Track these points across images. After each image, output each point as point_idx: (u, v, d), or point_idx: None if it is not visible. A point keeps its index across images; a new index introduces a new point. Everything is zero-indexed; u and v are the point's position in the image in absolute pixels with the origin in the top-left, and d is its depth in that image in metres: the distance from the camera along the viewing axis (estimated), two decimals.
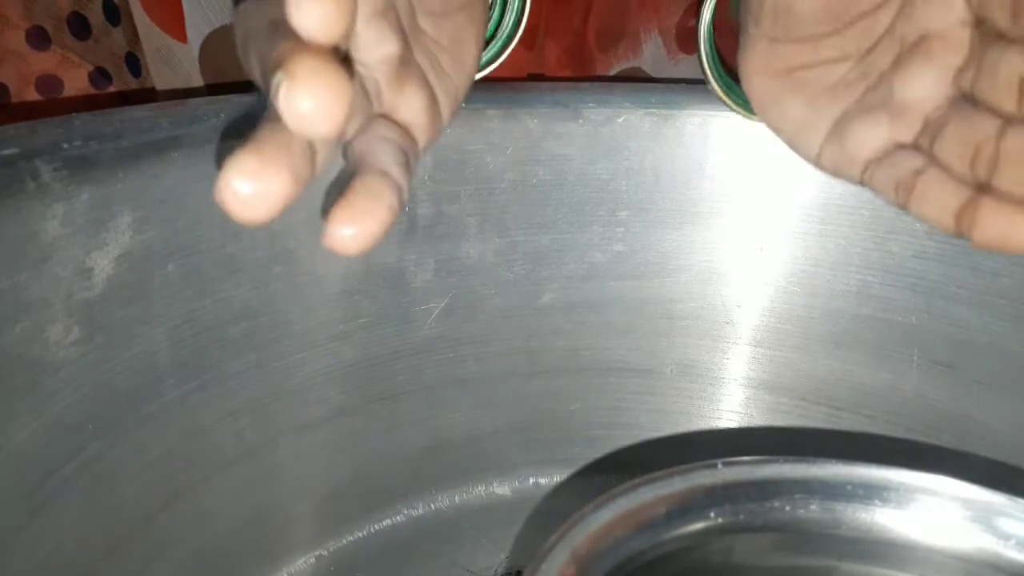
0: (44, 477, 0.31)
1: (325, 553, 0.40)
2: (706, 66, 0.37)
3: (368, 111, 0.28)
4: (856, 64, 0.33)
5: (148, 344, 0.33)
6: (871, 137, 0.33)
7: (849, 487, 0.26)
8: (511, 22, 0.37)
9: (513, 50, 0.47)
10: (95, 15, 0.46)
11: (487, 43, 0.37)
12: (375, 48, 0.28)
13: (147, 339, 0.33)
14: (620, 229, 0.39)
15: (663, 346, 0.41)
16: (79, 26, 0.45)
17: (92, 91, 0.46)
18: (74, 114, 0.32)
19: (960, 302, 0.38)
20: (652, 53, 0.48)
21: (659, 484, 0.25)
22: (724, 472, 0.25)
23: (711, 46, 0.37)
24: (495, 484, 0.43)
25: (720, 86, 0.37)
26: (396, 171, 0.26)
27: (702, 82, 0.37)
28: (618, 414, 0.43)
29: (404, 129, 0.29)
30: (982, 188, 0.29)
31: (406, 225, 0.37)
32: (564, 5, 0.47)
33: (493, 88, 0.39)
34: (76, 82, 0.45)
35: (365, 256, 0.37)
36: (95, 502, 0.33)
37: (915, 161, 0.31)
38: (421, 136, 0.30)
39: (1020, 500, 0.26)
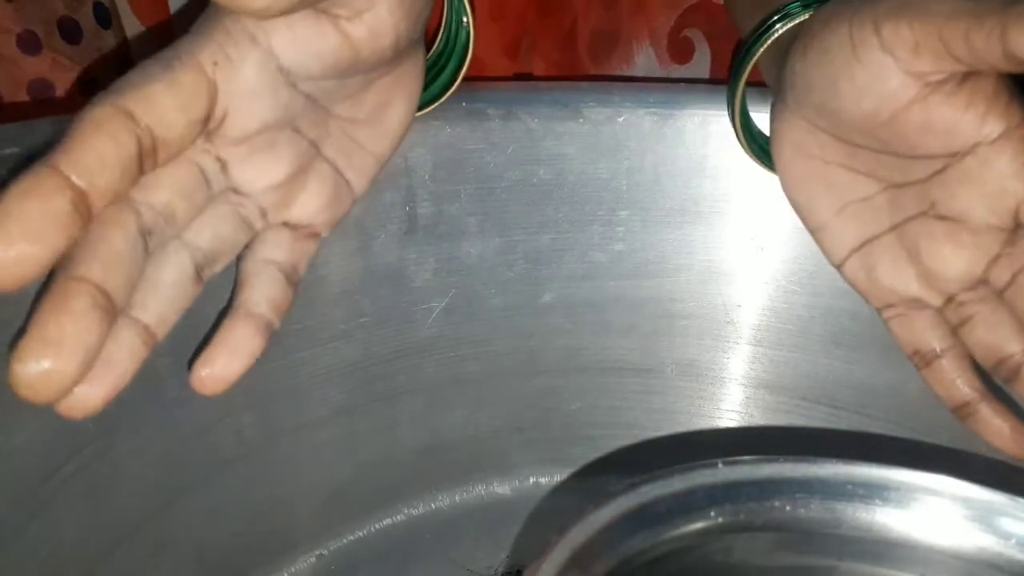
0: (44, 477, 0.31)
1: (325, 553, 0.41)
2: (739, 132, 0.36)
3: (242, 235, 0.28)
4: (886, 192, 0.32)
5: None
6: (897, 282, 0.33)
7: (849, 487, 0.26)
8: (455, 54, 0.35)
9: (496, 62, 0.47)
10: (86, 18, 0.45)
11: (432, 75, 0.35)
12: (255, 183, 0.28)
13: None
14: (620, 228, 0.39)
15: (663, 346, 0.41)
16: (70, 30, 0.45)
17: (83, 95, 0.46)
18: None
19: None
20: (644, 64, 0.48)
21: (659, 483, 0.25)
22: (724, 471, 0.25)
23: (744, 115, 0.36)
24: (495, 484, 0.43)
25: (753, 152, 0.36)
26: (265, 305, 0.29)
27: (702, 82, 0.37)
28: (618, 414, 0.43)
29: (300, 230, 0.30)
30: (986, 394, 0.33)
31: (406, 225, 0.37)
32: (550, 16, 0.47)
33: (494, 88, 0.39)
34: (67, 86, 0.45)
35: (365, 255, 0.37)
36: (95, 502, 0.33)
37: (937, 338, 0.33)
38: (322, 222, 0.30)
39: (1020, 500, 0.26)
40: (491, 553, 0.41)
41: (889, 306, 0.34)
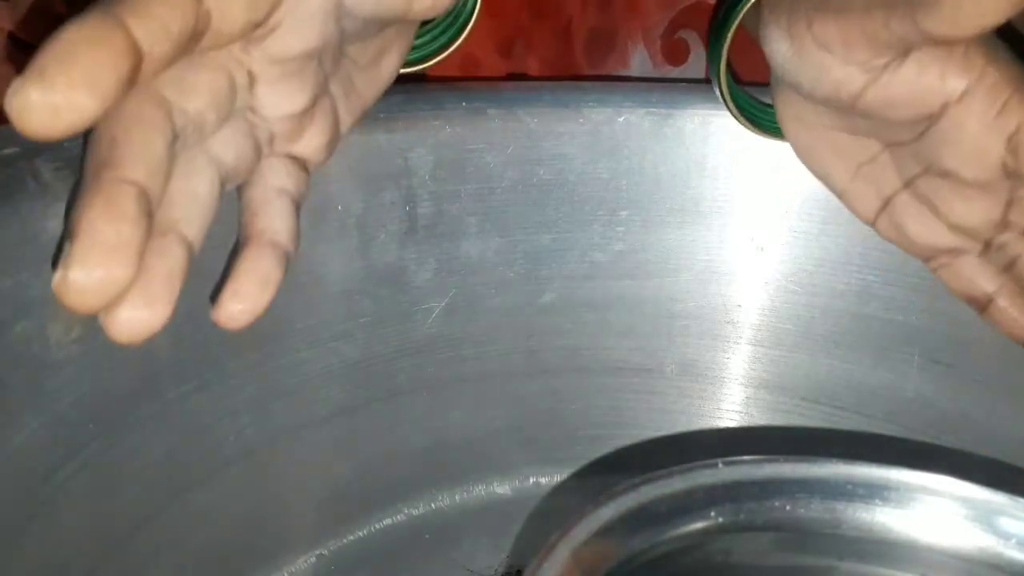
0: (44, 477, 0.31)
1: (325, 553, 0.40)
2: (728, 102, 0.35)
3: (256, 158, 0.28)
4: (888, 150, 0.32)
5: (148, 344, 0.33)
6: (930, 236, 0.32)
7: (849, 486, 0.26)
8: (462, 17, 0.34)
9: (490, 59, 0.46)
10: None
11: (442, 30, 0.34)
12: (278, 107, 0.27)
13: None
14: (620, 228, 0.39)
15: (663, 345, 0.41)
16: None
17: None
18: None
19: (960, 302, 0.38)
20: (639, 65, 0.48)
21: (660, 483, 0.25)
22: (725, 471, 0.25)
23: (729, 84, 0.35)
24: (495, 484, 0.43)
25: (745, 119, 0.36)
26: (285, 234, 0.28)
27: (702, 81, 0.37)
28: (618, 414, 0.43)
29: (300, 162, 0.29)
30: None
31: (407, 225, 0.37)
32: (544, 17, 0.47)
33: (494, 88, 0.39)
34: None
35: (365, 255, 0.37)
36: (95, 502, 0.32)
37: (987, 280, 0.32)
38: (318, 162, 0.30)
39: (1020, 499, 0.26)
40: (491, 553, 0.41)
41: (931, 258, 0.33)
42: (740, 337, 0.41)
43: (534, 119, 0.37)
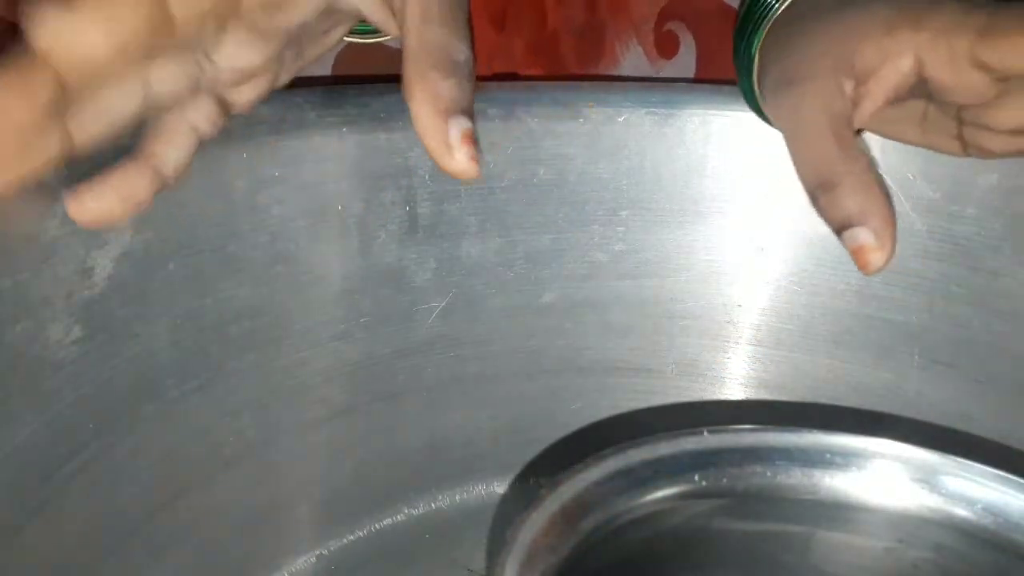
0: (44, 477, 0.31)
1: (325, 553, 0.40)
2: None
3: (190, 96, 0.27)
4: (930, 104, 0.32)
5: (148, 344, 0.33)
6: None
7: (827, 455, 0.27)
8: None
9: (482, 30, 0.46)
10: None
11: None
12: (234, 59, 0.27)
13: (147, 338, 0.33)
14: (621, 228, 0.39)
15: (663, 346, 0.41)
16: None
17: None
18: None
19: (960, 302, 0.38)
20: (632, 63, 0.47)
21: (647, 447, 0.26)
22: (709, 439, 0.26)
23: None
24: (495, 484, 0.43)
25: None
26: (172, 168, 0.27)
27: (703, 81, 0.37)
28: (618, 414, 0.43)
29: (225, 107, 0.29)
30: None
31: (406, 225, 0.37)
32: (524, 27, 0.46)
33: (493, 88, 0.39)
34: None
35: (365, 255, 0.37)
36: (95, 502, 0.33)
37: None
38: (242, 111, 0.30)
39: (999, 471, 0.27)
40: None
41: None
42: (740, 337, 0.41)
43: (534, 119, 0.37)
